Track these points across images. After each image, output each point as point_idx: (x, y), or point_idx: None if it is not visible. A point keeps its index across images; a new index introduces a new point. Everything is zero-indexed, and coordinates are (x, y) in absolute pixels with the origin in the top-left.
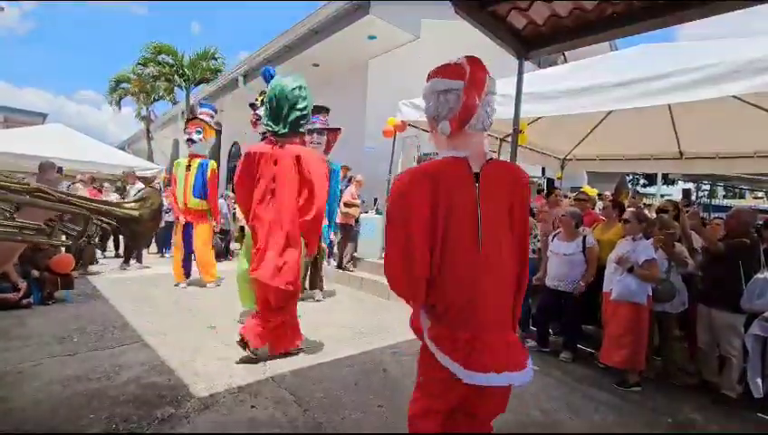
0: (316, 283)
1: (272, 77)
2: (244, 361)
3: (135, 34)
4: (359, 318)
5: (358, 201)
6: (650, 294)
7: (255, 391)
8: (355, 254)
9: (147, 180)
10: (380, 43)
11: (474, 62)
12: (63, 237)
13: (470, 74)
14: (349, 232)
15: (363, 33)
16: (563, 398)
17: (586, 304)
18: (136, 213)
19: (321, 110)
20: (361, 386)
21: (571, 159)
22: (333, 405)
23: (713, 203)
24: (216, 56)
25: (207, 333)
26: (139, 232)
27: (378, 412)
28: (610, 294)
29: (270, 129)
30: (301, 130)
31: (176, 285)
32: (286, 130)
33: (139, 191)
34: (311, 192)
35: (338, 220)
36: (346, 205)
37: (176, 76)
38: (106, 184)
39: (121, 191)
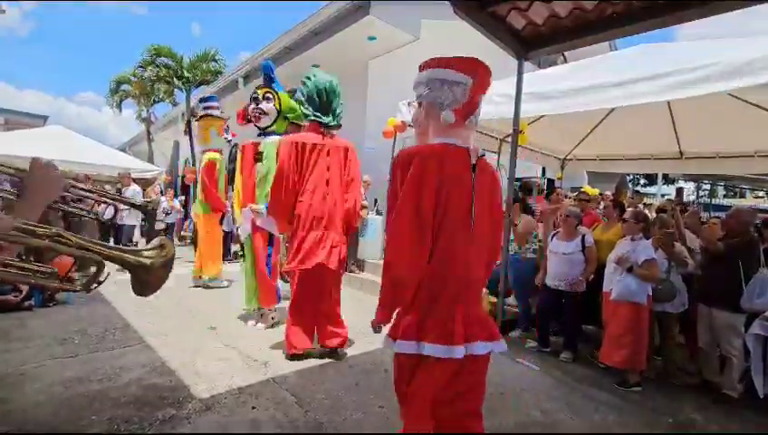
0: None
1: (272, 70)
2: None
3: (135, 35)
4: (359, 319)
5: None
6: (650, 293)
7: (256, 392)
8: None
9: (147, 182)
10: (380, 44)
11: (483, 64)
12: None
13: (480, 74)
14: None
15: (363, 33)
16: (563, 398)
17: (586, 304)
18: (148, 262)
19: None
20: (362, 386)
21: (571, 159)
22: (334, 406)
23: (713, 203)
24: (217, 58)
25: (208, 334)
26: (148, 281)
27: (379, 413)
28: (610, 294)
29: (318, 120)
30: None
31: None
32: (336, 121)
33: (135, 193)
34: (352, 183)
35: None
36: None
37: (174, 79)
38: (107, 186)
39: (119, 194)
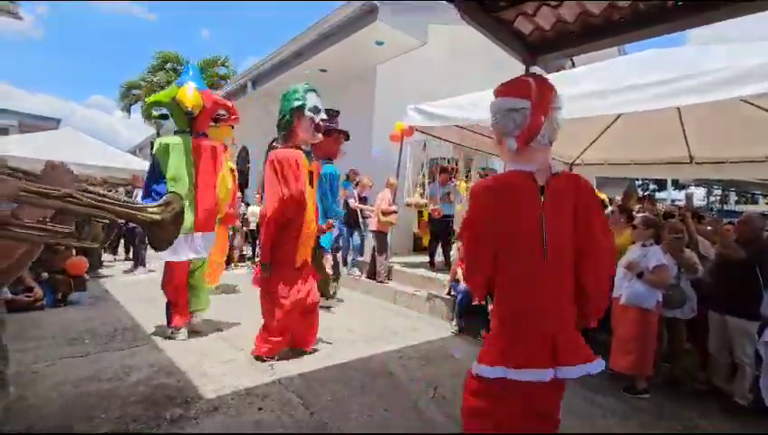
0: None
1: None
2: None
3: (145, 40)
4: (365, 322)
5: (395, 207)
6: (660, 299)
7: (263, 394)
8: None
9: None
10: (388, 49)
11: (540, 80)
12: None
13: (536, 93)
14: (382, 241)
15: (371, 38)
16: (569, 403)
17: None
18: (158, 217)
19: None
20: (367, 389)
21: (579, 164)
22: (339, 408)
23: (725, 208)
24: (226, 64)
25: (215, 336)
26: (161, 235)
27: (383, 416)
28: (619, 299)
29: None
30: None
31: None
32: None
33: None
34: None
35: (374, 228)
36: (384, 213)
37: None
38: (120, 188)
39: (130, 195)
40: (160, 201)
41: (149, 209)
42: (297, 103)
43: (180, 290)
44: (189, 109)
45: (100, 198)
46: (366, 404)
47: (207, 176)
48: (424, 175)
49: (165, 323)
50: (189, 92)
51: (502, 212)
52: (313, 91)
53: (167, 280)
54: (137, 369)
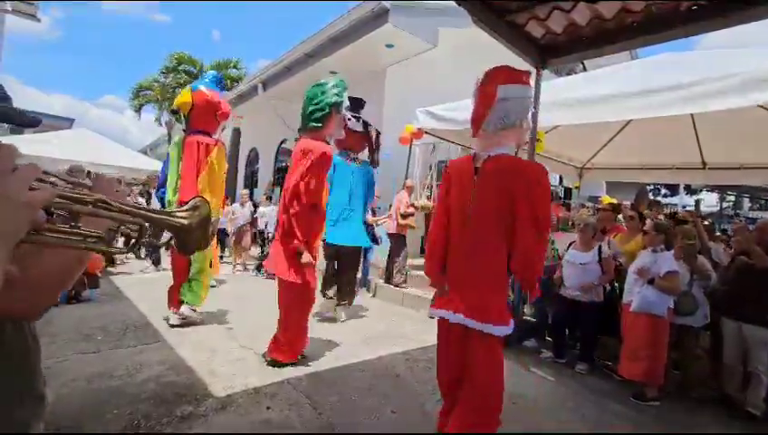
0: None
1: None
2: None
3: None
4: (372, 323)
5: (412, 209)
6: (671, 306)
7: (271, 393)
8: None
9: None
10: (398, 52)
11: (487, 74)
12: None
13: (478, 87)
14: (401, 244)
15: (381, 41)
16: (578, 409)
17: (604, 316)
18: (186, 222)
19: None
20: (374, 391)
21: (589, 168)
22: (347, 409)
23: (739, 214)
24: (237, 66)
25: (224, 334)
26: (188, 240)
27: (390, 417)
28: (630, 305)
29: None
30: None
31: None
32: (305, 124)
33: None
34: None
35: (391, 231)
36: (404, 216)
37: None
38: (135, 188)
39: (148, 196)
40: (188, 205)
41: (178, 214)
42: (337, 99)
43: (176, 276)
44: (174, 108)
45: (131, 205)
46: (373, 405)
47: (189, 170)
48: (431, 177)
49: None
50: (180, 94)
51: (448, 190)
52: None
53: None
54: (147, 366)
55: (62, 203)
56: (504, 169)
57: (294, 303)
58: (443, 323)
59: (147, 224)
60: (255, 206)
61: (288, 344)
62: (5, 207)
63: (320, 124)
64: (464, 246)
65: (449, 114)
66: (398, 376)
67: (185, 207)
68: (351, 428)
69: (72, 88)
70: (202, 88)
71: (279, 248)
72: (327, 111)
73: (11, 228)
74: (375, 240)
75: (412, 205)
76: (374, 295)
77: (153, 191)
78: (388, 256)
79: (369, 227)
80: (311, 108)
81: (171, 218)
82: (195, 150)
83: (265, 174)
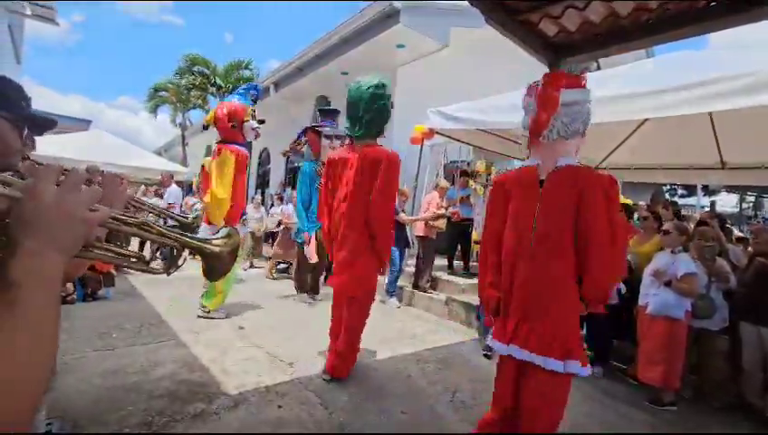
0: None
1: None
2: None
3: (171, 44)
4: (383, 324)
5: (443, 211)
6: (689, 309)
7: (283, 392)
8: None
9: (182, 183)
10: (409, 51)
11: (548, 79)
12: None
13: (541, 92)
14: (430, 247)
15: (392, 41)
16: (593, 413)
17: (619, 319)
18: (218, 250)
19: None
20: (385, 392)
21: (605, 168)
22: (357, 409)
23: (759, 215)
24: (250, 67)
25: (237, 333)
26: (217, 267)
27: (400, 418)
28: (646, 308)
29: (348, 133)
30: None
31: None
32: (361, 131)
33: (176, 194)
34: (378, 192)
35: (420, 233)
36: (434, 217)
37: (209, 86)
38: (142, 187)
39: (161, 197)
40: (222, 234)
41: (213, 242)
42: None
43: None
44: (205, 123)
45: (167, 230)
46: (383, 406)
47: (208, 176)
48: (438, 175)
49: (188, 319)
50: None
51: (506, 203)
52: None
53: None
54: (161, 364)
55: (112, 223)
56: (575, 181)
57: (364, 320)
58: (505, 357)
59: (181, 247)
60: (265, 205)
61: (352, 360)
62: (69, 224)
63: (384, 124)
64: (530, 267)
65: (461, 114)
66: (409, 377)
67: (220, 235)
68: (362, 428)
69: (87, 89)
70: (225, 102)
71: (358, 269)
72: (389, 115)
73: (70, 243)
74: (407, 243)
75: (442, 206)
76: (378, 295)
77: (165, 190)
78: (416, 258)
79: (401, 228)
80: (373, 113)
81: (207, 246)
82: (215, 157)
83: (277, 174)
